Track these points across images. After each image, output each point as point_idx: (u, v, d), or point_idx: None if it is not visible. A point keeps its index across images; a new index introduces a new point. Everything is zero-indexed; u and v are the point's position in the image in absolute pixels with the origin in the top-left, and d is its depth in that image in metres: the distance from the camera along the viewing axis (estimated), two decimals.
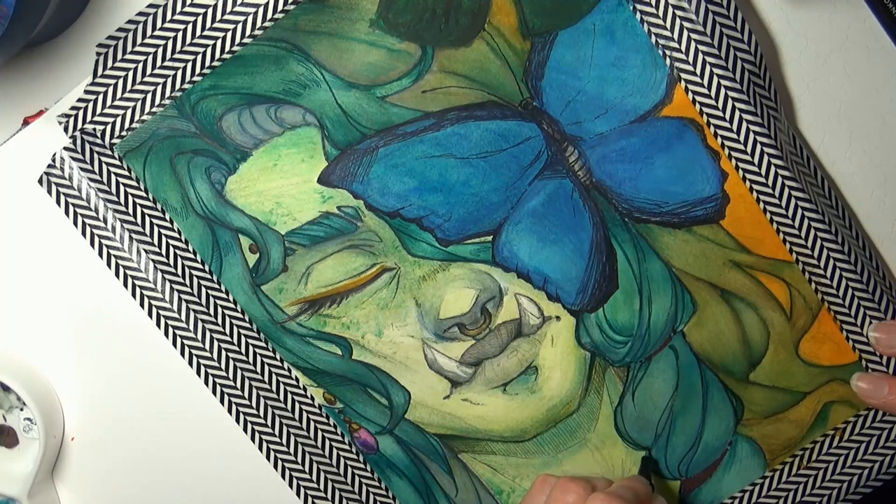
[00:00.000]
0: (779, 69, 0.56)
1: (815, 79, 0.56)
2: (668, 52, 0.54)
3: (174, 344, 0.58)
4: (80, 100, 0.55)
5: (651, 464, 0.59)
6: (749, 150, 0.55)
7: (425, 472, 0.61)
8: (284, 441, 0.59)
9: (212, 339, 0.58)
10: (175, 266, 0.57)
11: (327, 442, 0.60)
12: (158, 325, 0.58)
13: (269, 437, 0.59)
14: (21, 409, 0.61)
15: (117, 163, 0.56)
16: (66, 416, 0.61)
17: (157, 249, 0.57)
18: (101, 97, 0.55)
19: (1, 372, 0.57)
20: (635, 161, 0.56)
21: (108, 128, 0.55)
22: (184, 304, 0.57)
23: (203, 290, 0.58)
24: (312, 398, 0.60)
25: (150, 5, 0.54)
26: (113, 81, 0.55)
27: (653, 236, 0.57)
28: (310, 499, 0.60)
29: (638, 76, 0.55)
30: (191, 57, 0.54)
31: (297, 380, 0.59)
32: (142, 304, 0.57)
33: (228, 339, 0.58)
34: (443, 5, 0.54)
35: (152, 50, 0.54)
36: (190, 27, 0.54)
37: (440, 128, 0.56)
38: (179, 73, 0.55)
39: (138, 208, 0.56)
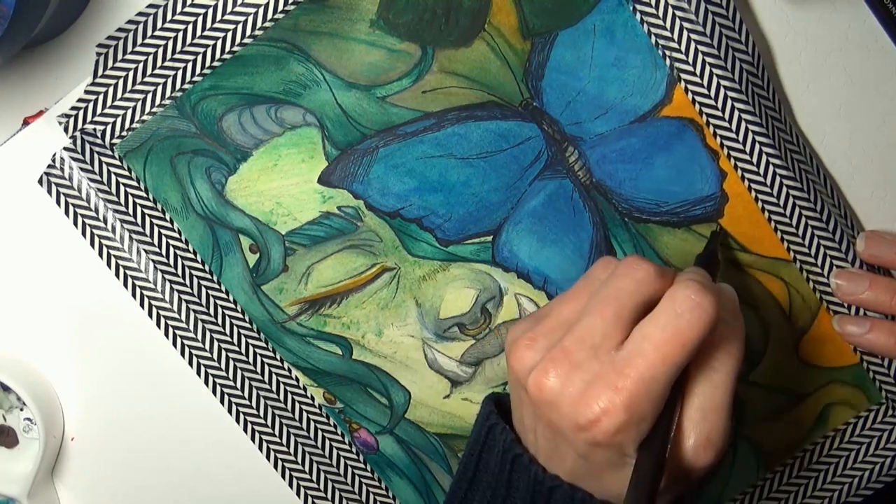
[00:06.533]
0: (779, 69, 0.56)
1: (815, 79, 0.56)
2: (668, 53, 0.54)
3: (174, 344, 0.58)
4: (80, 100, 0.55)
5: (719, 238, 0.56)
6: (748, 149, 0.55)
7: (426, 471, 0.61)
8: (284, 441, 0.59)
9: (212, 339, 0.58)
10: (175, 266, 0.57)
11: (327, 442, 0.60)
12: (158, 325, 0.58)
13: (269, 437, 0.59)
14: (21, 409, 0.61)
15: (117, 163, 0.56)
16: (66, 416, 0.61)
17: (157, 249, 0.57)
18: (101, 97, 0.55)
19: (1, 372, 0.57)
20: (635, 161, 0.56)
21: (109, 128, 0.55)
22: (184, 304, 0.57)
23: (203, 290, 0.58)
24: (312, 398, 0.60)
25: (151, 5, 0.54)
26: (113, 82, 0.55)
27: (652, 236, 0.57)
28: (310, 499, 0.60)
29: (638, 76, 0.55)
30: (191, 57, 0.54)
31: (297, 380, 0.59)
32: (142, 304, 0.57)
33: (228, 339, 0.58)
34: (443, 5, 0.54)
35: (152, 50, 0.54)
36: (190, 27, 0.54)
37: (440, 128, 0.56)
38: (180, 73, 0.55)
39: (138, 208, 0.56)
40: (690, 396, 0.45)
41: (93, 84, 0.55)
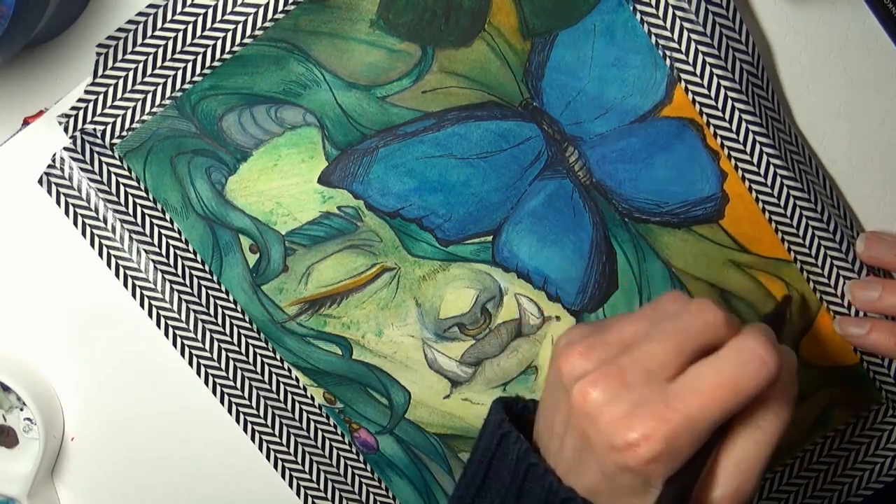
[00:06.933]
0: (779, 69, 0.56)
1: (815, 79, 0.56)
2: (668, 53, 0.54)
3: (174, 344, 0.58)
4: (80, 100, 0.55)
5: (790, 303, 0.57)
6: (748, 149, 0.55)
7: (425, 471, 0.61)
8: (284, 441, 0.59)
9: (212, 339, 0.58)
10: (175, 266, 0.57)
11: (327, 442, 0.60)
12: (158, 325, 0.58)
13: (269, 437, 0.59)
14: (21, 409, 0.61)
15: (117, 163, 0.56)
16: (66, 416, 0.61)
17: (157, 249, 0.57)
18: (101, 97, 0.55)
19: (1, 372, 0.57)
20: (635, 161, 0.56)
21: (109, 128, 0.55)
22: (184, 304, 0.57)
23: (203, 290, 0.58)
24: (312, 398, 0.60)
25: (151, 5, 0.54)
26: (113, 82, 0.55)
27: (653, 236, 0.57)
28: (310, 499, 0.60)
29: (638, 76, 0.55)
30: (191, 57, 0.54)
31: (297, 380, 0.59)
32: (142, 304, 0.57)
33: (228, 339, 0.58)
34: (443, 5, 0.54)
35: (152, 50, 0.54)
36: (190, 27, 0.54)
37: (440, 128, 0.56)
38: (180, 73, 0.55)
39: (138, 208, 0.56)
40: (729, 448, 0.45)
41: (93, 84, 0.55)
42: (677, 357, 0.44)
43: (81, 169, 0.55)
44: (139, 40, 0.54)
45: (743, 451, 0.45)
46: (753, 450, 0.45)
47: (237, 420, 0.59)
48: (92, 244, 0.57)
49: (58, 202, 0.56)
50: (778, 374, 0.43)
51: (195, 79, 0.55)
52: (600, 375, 0.44)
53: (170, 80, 0.55)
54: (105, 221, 0.56)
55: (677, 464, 0.43)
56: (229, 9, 0.54)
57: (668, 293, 0.48)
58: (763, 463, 0.45)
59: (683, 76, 0.54)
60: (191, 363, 0.58)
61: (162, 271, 0.57)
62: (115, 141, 0.56)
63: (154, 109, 0.55)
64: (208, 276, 0.58)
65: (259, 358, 0.59)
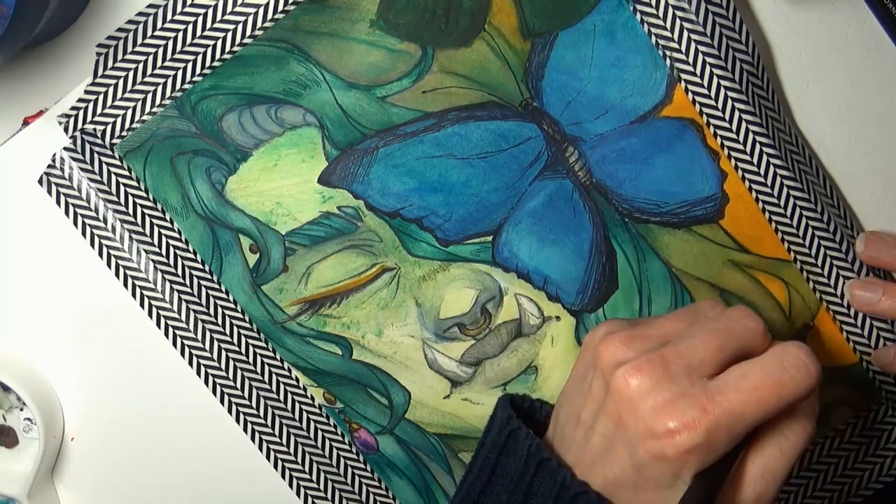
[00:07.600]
0: (779, 69, 0.56)
1: (815, 79, 0.56)
2: (668, 53, 0.54)
3: (174, 344, 0.58)
4: (80, 100, 0.55)
5: (810, 331, 0.58)
6: (748, 150, 0.55)
7: (425, 471, 0.61)
8: (284, 441, 0.59)
9: (212, 339, 0.58)
10: (175, 266, 0.57)
11: (327, 442, 0.60)
12: (158, 325, 0.58)
13: (269, 437, 0.59)
14: (21, 409, 0.61)
15: (117, 163, 0.56)
16: (66, 416, 0.61)
17: (157, 249, 0.57)
18: (101, 97, 0.55)
19: (1, 372, 0.57)
20: (635, 161, 0.56)
21: (109, 128, 0.55)
22: (184, 304, 0.57)
23: (203, 290, 0.58)
24: (312, 398, 0.60)
25: (151, 5, 0.54)
26: (113, 82, 0.55)
27: (653, 236, 0.57)
28: (310, 499, 0.60)
29: (638, 76, 0.55)
30: (191, 57, 0.54)
31: (297, 380, 0.59)
32: (142, 304, 0.57)
33: (228, 339, 0.58)
34: (443, 5, 0.54)
35: (153, 50, 0.54)
36: (190, 27, 0.54)
37: (440, 128, 0.56)
38: (180, 73, 0.55)
39: (138, 208, 0.56)
40: (755, 454, 0.45)
41: (93, 84, 0.55)
42: (717, 355, 0.45)
43: (81, 169, 0.55)
44: (139, 40, 0.54)
45: (769, 459, 0.45)
46: (779, 458, 0.45)
47: (237, 420, 0.59)
48: (92, 244, 0.57)
49: (58, 202, 0.56)
50: (817, 385, 0.44)
51: (195, 79, 0.55)
52: (644, 363, 0.44)
53: (170, 80, 0.55)
54: (105, 221, 0.56)
55: (711, 459, 0.43)
56: (229, 9, 0.54)
57: (705, 300, 0.50)
58: (786, 472, 0.46)
59: (683, 76, 0.54)
60: (191, 363, 0.58)
61: (162, 271, 0.57)
62: (115, 141, 0.56)
63: (154, 109, 0.55)
64: (208, 276, 0.58)
65: (259, 358, 0.59)
